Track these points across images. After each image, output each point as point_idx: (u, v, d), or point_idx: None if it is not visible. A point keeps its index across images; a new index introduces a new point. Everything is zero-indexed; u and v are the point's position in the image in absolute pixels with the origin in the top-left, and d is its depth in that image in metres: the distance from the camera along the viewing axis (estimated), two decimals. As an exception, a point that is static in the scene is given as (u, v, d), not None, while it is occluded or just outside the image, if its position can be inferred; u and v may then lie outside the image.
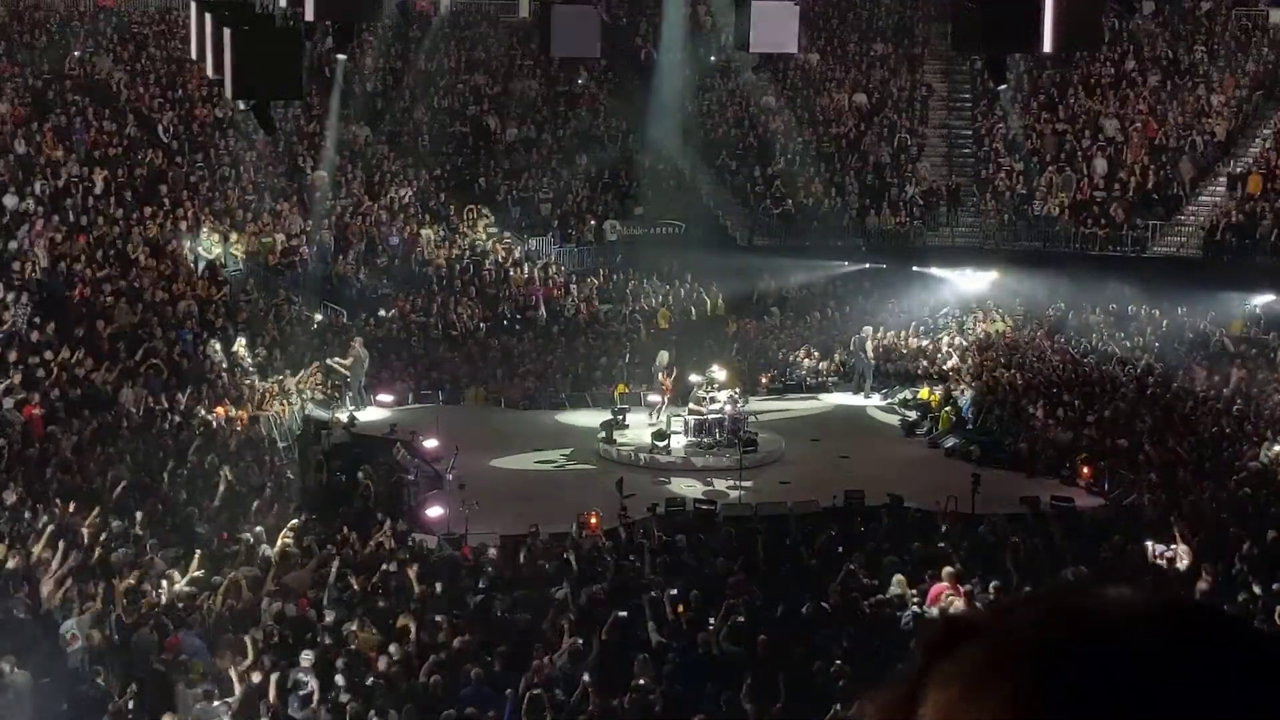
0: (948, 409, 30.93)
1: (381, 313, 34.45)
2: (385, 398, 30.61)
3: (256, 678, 15.47)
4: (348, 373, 30.90)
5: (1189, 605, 1.27)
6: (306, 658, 15.87)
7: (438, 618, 17.23)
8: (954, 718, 1.23)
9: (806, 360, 35.22)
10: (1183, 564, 19.46)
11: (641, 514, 23.23)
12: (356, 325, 33.19)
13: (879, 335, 35.29)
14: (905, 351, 35.29)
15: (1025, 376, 31.79)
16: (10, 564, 18.20)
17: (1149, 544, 20.22)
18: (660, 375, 31.37)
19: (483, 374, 32.96)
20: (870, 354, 34.28)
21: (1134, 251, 38.01)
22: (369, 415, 30.09)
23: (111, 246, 31.28)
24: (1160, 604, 1.26)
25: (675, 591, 17.69)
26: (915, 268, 39.65)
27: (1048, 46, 18.01)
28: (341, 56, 33.27)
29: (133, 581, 17.71)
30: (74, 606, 16.96)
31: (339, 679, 15.50)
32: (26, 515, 19.95)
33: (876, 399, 33.82)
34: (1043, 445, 28.13)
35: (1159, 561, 19.86)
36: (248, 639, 16.12)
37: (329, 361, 31.02)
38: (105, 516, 20.03)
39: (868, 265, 40.00)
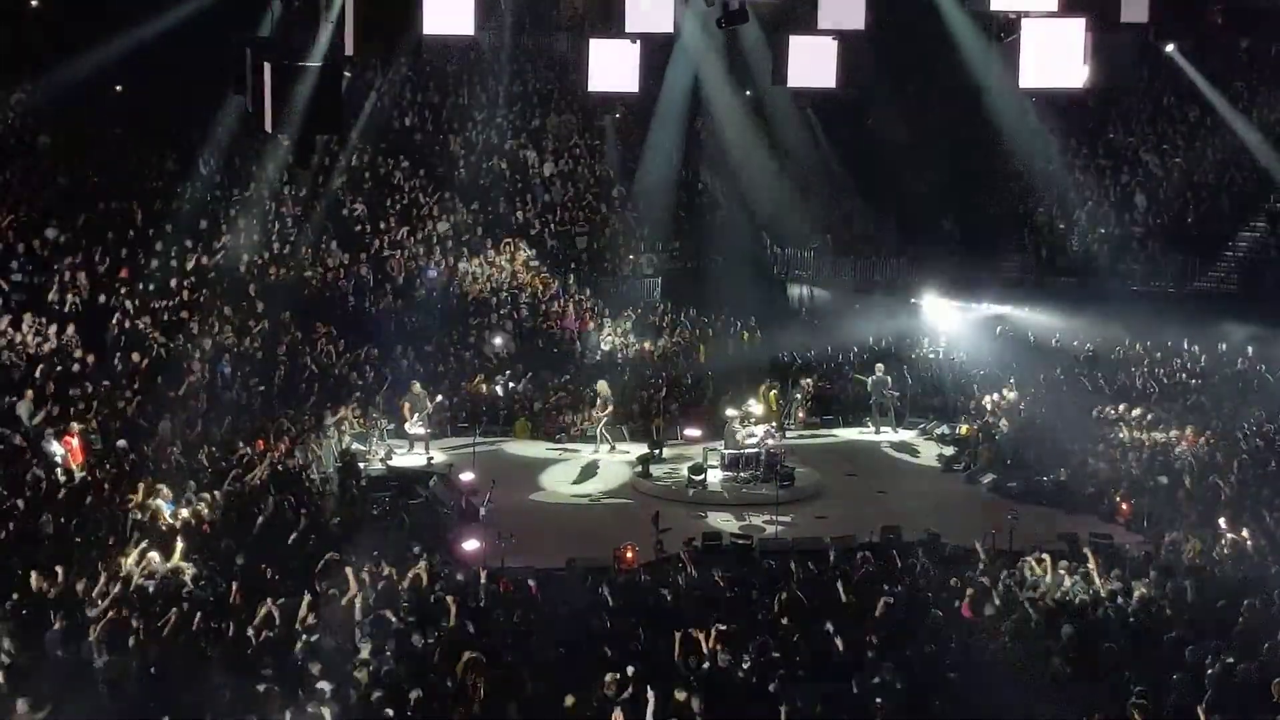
0: (985, 445, 30.77)
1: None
2: (424, 431, 30.53)
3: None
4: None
5: None
6: (324, 687, 15.80)
7: (473, 653, 17.16)
8: None
9: (843, 395, 35.12)
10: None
11: (678, 548, 23.17)
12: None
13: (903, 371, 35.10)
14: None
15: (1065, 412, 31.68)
16: (50, 594, 18.27)
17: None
18: (596, 407, 31.67)
19: (519, 407, 32.96)
20: (890, 389, 33.93)
21: (1173, 287, 37.85)
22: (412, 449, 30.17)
23: (151, 278, 31.43)
24: None
25: (721, 625, 17.57)
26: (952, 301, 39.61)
27: (1086, 83, 18.02)
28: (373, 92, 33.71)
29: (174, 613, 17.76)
30: (115, 639, 16.97)
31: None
32: (64, 546, 20.01)
33: (913, 433, 33.61)
34: (1081, 481, 27.95)
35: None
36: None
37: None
38: (145, 546, 20.10)
39: (910, 300, 39.94)
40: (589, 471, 30.07)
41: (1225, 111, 39.52)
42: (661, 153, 42.60)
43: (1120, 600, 19.10)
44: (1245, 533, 22.37)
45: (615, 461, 30.71)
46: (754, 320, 38.58)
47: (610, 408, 31.61)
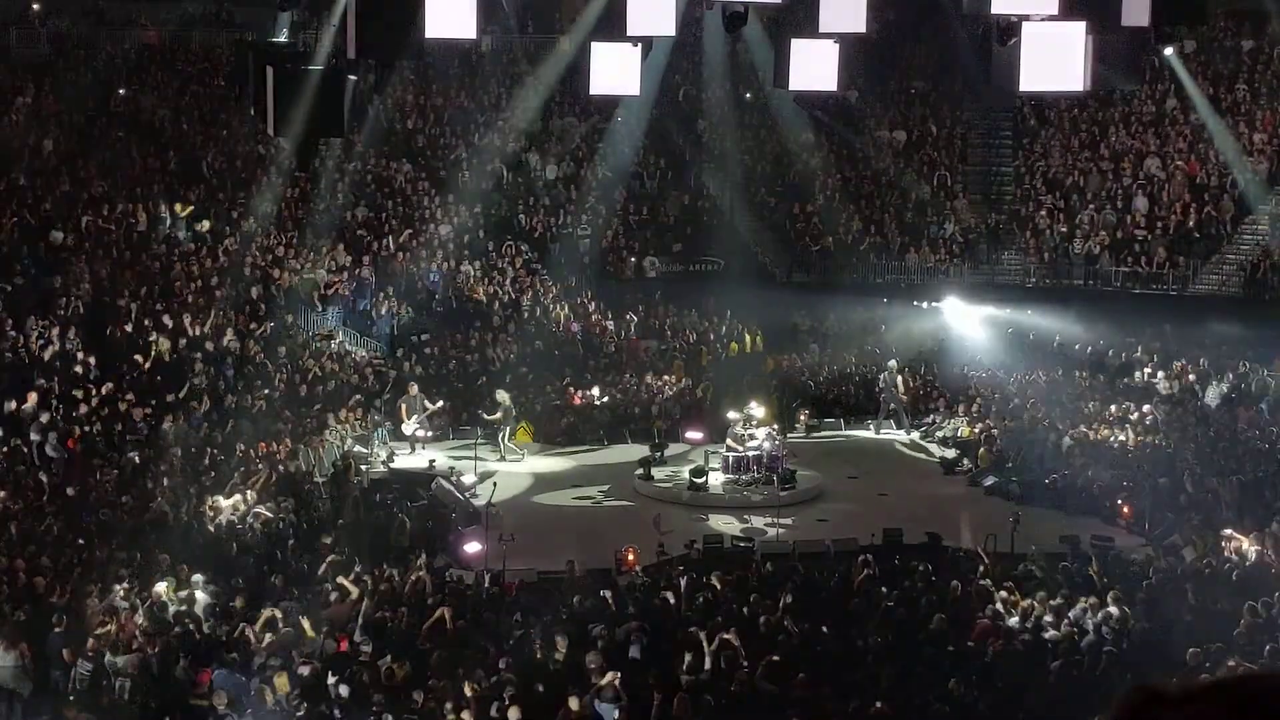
0: (986, 447, 30.75)
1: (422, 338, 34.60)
2: (422, 433, 30.50)
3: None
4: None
5: None
6: (344, 691, 15.90)
7: (474, 656, 17.21)
8: None
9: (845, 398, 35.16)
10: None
11: (679, 550, 23.18)
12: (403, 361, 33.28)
13: (907, 372, 35.02)
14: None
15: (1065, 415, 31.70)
16: (53, 598, 18.33)
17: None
18: (496, 417, 30.88)
19: (521, 410, 32.94)
20: (901, 389, 33.97)
21: (1175, 290, 37.83)
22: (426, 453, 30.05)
23: (155, 282, 31.48)
24: None
25: (725, 633, 17.58)
26: (953, 304, 39.60)
27: (1085, 85, 18.03)
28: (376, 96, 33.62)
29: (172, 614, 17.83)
30: (117, 642, 17.04)
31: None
32: (67, 550, 20.05)
33: (915, 435, 33.59)
34: (1083, 484, 27.96)
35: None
36: (285, 674, 16.18)
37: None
38: (147, 550, 20.17)
39: (914, 303, 39.93)
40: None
41: (1212, 124, 39.54)
42: (664, 155, 42.51)
43: (1121, 604, 19.13)
44: (1248, 536, 22.37)
45: (519, 472, 29.89)
46: (756, 323, 38.57)
47: (510, 417, 30.93)
